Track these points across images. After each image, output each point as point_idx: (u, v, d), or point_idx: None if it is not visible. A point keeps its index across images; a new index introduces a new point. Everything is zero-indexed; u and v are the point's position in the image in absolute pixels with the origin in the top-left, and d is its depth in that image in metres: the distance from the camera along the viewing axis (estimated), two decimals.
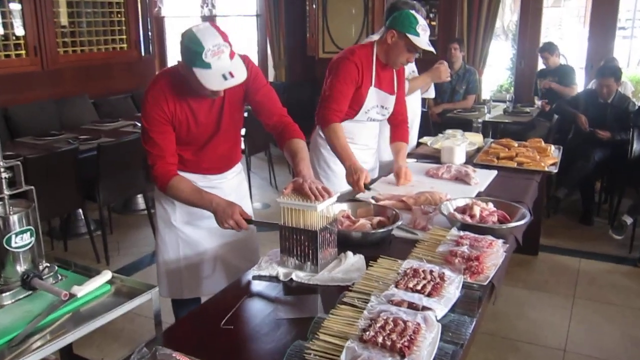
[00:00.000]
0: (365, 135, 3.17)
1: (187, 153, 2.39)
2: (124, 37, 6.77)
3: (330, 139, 2.89)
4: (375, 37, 3.21)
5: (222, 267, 2.60)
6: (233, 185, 2.60)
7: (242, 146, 5.83)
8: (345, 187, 3.06)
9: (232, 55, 2.06)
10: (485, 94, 7.14)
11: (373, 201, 2.66)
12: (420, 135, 4.26)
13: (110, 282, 1.96)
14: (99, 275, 1.94)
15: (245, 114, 2.53)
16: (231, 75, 2.04)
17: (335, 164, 3.12)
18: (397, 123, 3.17)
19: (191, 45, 2.04)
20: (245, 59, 2.26)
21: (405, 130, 3.18)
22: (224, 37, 2.06)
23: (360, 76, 2.93)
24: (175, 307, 2.74)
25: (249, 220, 2.19)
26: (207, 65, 2.02)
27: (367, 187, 2.72)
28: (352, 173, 2.73)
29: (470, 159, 3.56)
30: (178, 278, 2.57)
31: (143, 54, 6.99)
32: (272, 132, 2.45)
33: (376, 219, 2.35)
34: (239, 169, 2.66)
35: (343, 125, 2.97)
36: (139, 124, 5.26)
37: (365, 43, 3.04)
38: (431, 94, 4.30)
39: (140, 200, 5.74)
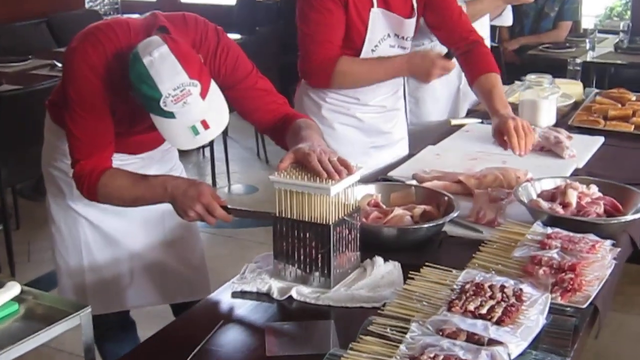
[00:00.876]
0: (378, 91, 3.13)
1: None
2: None
3: (351, 78, 2.94)
4: None
5: (143, 268, 2.67)
6: (154, 155, 2.66)
7: None
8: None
9: (204, 92, 2.10)
10: (588, 22, 7.10)
11: (415, 182, 2.66)
12: None
13: (18, 299, 1.96)
14: (1, 289, 1.95)
15: None
16: (204, 125, 2.10)
17: (333, 138, 3.07)
18: (466, 47, 3.03)
19: (142, 88, 2.07)
20: (217, 38, 2.33)
21: (485, 54, 3.05)
22: (190, 68, 2.07)
23: None
24: (97, 338, 2.78)
25: (226, 208, 2.20)
26: (170, 115, 2.08)
27: (449, 55, 2.86)
28: (416, 65, 2.91)
29: (563, 120, 3.54)
30: (80, 285, 2.64)
31: None
32: (269, 135, 2.51)
33: (419, 209, 2.35)
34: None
35: None
36: (60, 65, 5.36)
37: None
38: (506, 20, 4.27)
39: None
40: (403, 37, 3.04)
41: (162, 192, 2.23)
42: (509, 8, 4.14)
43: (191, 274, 2.75)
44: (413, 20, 3.03)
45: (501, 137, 2.75)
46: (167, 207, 2.52)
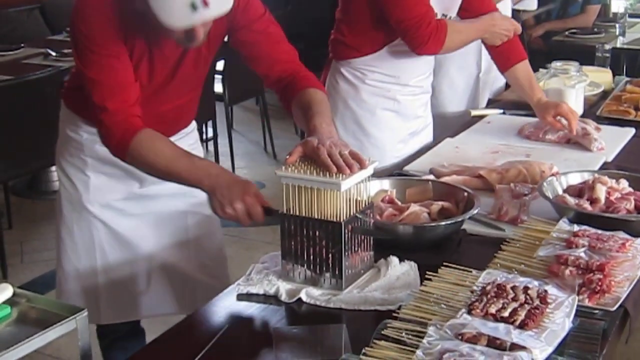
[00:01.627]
0: (417, 71, 3.18)
1: None
2: None
3: (461, 37, 3.06)
4: None
5: (163, 275, 2.67)
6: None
7: (219, 89, 5.87)
8: (392, 160, 3.06)
9: None
10: (617, 6, 7.07)
11: (432, 176, 2.66)
12: None
13: (10, 302, 1.97)
14: None
15: (225, 38, 2.56)
16: (204, 3, 2.05)
17: (373, 124, 3.12)
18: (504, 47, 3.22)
19: None
20: None
21: (514, 40, 3.24)
22: None
23: None
24: (105, 346, 2.80)
25: (268, 210, 2.15)
26: None
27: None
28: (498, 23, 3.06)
29: (591, 110, 3.54)
30: (92, 292, 2.62)
31: None
32: (274, 90, 2.49)
33: (437, 205, 2.36)
34: (190, 128, 2.72)
35: (380, 55, 3.00)
36: (54, 53, 5.37)
37: None
38: (530, 4, 4.27)
39: (55, 176, 5.78)
40: (449, 17, 3.10)
41: (203, 177, 2.19)
42: None
43: (211, 283, 2.69)
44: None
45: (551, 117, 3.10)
46: (190, 208, 2.53)
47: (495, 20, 3.12)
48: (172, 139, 2.56)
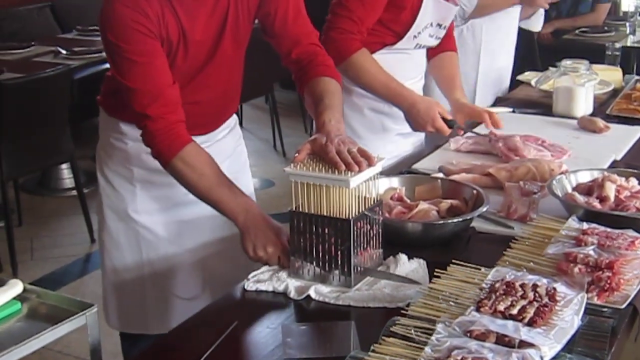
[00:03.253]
0: (408, 74, 3.16)
1: None
2: None
3: (358, 76, 2.92)
4: None
5: (214, 283, 2.62)
6: (226, 148, 2.64)
7: None
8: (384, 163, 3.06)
9: None
10: (628, 4, 7.05)
11: (441, 174, 2.67)
12: (520, 70, 4.23)
13: (20, 298, 1.98)
14: (3, 287, 1.96)
15: None
16: None
17: (363, 125, 3.14)
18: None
19: None
20: None
21: (452, 38, 3.26)
22: None
23: None
24: (126, 342, 2.79)
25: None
26: None
27: (451, 124, 2.81)
28: (417, 112, 2.85)
29: (601, 108, 3.53)
30: (140, 303, 2.60)
31: None
32: (291, 69, 2.48)
33: (446, 203, 2.36)
34: (232, 121, 2.70)
35: (377, 58, 2.99)
36: (64, 51, 5.38)
37: None
38: (534, 25, 4.29)
39: (66, 173, 5.81)
40: (443, 27, 3.11)
41: (240, 213, 2.19)
42: (541, 13, 4.15)
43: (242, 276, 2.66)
44: (457, 8, 3.15)
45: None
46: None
47: (416, 107, 2.93)
48: (219, 135, 2.59)
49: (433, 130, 2.93)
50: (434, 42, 3.14)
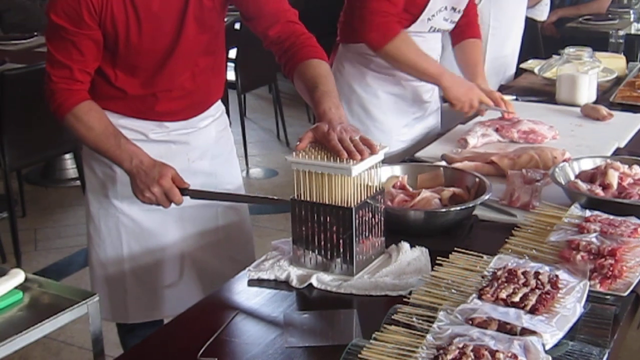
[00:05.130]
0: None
1: (130, 84, 2.42)
2: None
3: (402, 59, 2.95)
4: None
5: (193, 271, 2.65)
6: (208, 139, 2.64)
7: (231, 76, 5.85)
8: (398, 144, 3.07)
9: None
10: None
11: (444, 162, 2.66)
12: (523, 58, 4.22)
13: (22, 287, 1.99)
14: (5, 276, 1.97)
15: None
16: None
17: (378, 108, 3.13)
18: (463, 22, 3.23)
19: None
20: None
21: (476, 25, 3.29)
22: None
23: None
24: (124, 333, 2.80)
25: (184, 190, 2.27)
26: None
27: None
28: (457, 92, 2.98)
29: (604, 96, 3.53)
30: (122, 292, 2.61)
31: None
32: (274, 51, 2.47)
33: (448, 191, 2.36)
34: (217, 111, 2.69)
35: None
36: None
37: None
38: (540, 14, 4.28)
39: (69, 164, 5.82)
40: (458, 11, 3.11)
41: (124, 160, 2.31)
42: (546, 2, 4.14)
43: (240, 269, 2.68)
44: None
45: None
46: (221, 205, 2.54)
47: (455, 80, 3.06)
48: (201, 123, 2.59)
49: (470, 108, 3.05)
50: (449, 26, 3.15)
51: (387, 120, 3.12)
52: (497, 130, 3.00)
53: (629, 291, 1.88)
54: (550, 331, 1.65)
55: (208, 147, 2.62)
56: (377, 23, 2.90)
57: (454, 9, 3.09)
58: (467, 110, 3.04)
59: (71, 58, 2.31)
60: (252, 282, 2.04)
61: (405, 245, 2.11)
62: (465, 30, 3.27)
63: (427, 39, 3.13)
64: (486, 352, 1.55)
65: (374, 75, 3.11)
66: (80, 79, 2.35)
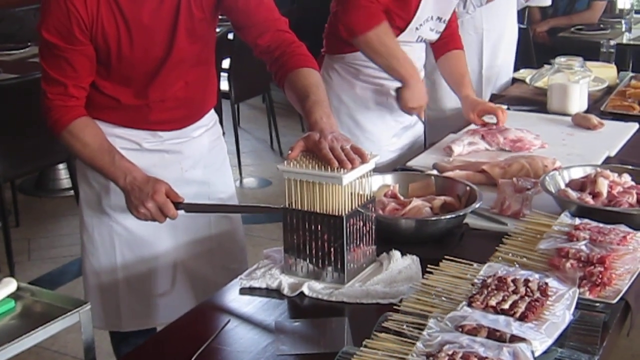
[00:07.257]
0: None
1: (124, 95, 2.42)
2: None
3: (381, 49, 2.93)
4: None
5: (186, 279, 2.65)
6: (202, 148, 2.64)
7: (225, 86, 5.86)
8: (387, 154, 3.08)
9: None
10: (624, 1, 7.06)
11: (435, 171, 2.67)
12: (516, 68, 4.23)
13: (14, 296, 1.99)
14: None
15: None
16: None
17: (367, 118, 3.14)
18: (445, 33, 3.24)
19: None
20: None
21: (457, 37, 3.31)
22: None
23: None
24: (117, 342, 2.80)
25: (179, 205, 2.28)
26: None
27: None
28: (412, 93, 2.96)
29: (595, 105, 3.54)
30: (115, 300, 2.61)
31: None
32: (264, 59, 2.47)
33: (439, 200, 2.36)
34: (210, 120, 2.69)
35: None
36: None
37: None
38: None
39: (63, 174, 5.81)
40: (443, 21, 3.14)
41: (119, 178, 2.33)
42: None
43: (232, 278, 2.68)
44: (457, 1, 3.17)
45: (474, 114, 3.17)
46: (214, 214, 2.54)
47: (414, 81, 3.04)
48: (194, 133, 2.60)
49: (412, 109, 3.07)
50: (434, 36, 3.17)
51: (376, 130, 3.13)
52: (482, 137, 3.01)
53: (618, 298, 1.89)
54: (540, 338, 1.66)
55: (201, 157, 2.62)
56: (363, 5, 2.89)
57: (439, 18, 3.11)
58: (411, 113, 3.09)
59: (65, 75, 2.32)
60: (244, 291, 2.04)
61: (396, 253, 2.12)
62: (448, 42, 3.29)
63: (414, 48, 3.15)
64: (476, 359, 1.56)
65: (363, 86, 3.12)
66: (75, 94, 2.36)
